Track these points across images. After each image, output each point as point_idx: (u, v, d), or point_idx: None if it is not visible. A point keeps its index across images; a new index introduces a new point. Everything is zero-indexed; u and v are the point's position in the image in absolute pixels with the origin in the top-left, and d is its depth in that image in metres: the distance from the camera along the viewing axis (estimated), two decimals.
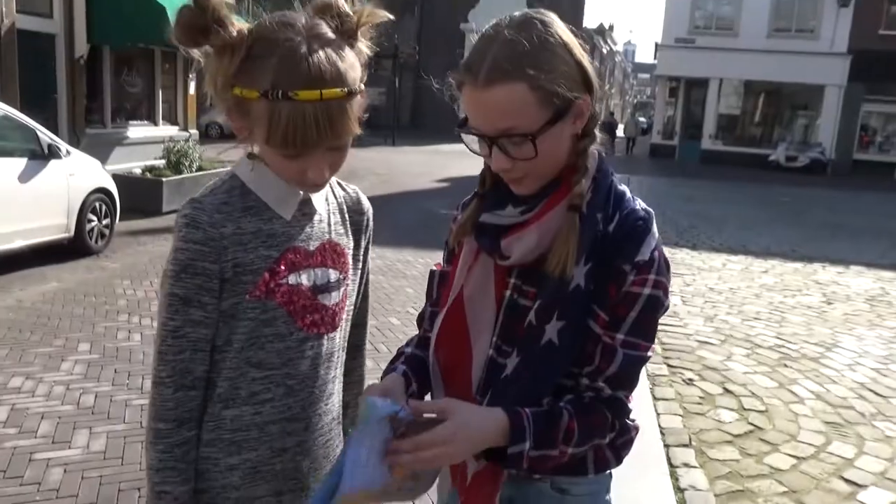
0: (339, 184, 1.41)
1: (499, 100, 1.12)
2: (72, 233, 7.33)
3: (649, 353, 1.21)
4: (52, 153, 7.05)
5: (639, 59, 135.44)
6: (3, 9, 9.81)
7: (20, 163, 6.74)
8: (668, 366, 4.89)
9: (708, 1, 26.93)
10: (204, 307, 1.19)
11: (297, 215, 1.28)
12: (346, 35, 1.18)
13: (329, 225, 1.34)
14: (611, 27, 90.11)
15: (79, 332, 5.19)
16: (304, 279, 1.27)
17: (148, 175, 10.27)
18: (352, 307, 1.42)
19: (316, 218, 1.31)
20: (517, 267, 1.25)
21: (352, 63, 1.17)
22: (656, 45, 28.48)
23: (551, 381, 1.20)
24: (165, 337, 1.19)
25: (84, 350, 4.84)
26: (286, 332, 1.26)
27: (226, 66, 1.13)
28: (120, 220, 8.31)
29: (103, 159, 10.29)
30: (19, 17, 10.40)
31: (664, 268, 1.19)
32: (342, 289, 1.35)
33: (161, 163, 10.60)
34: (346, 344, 1.42)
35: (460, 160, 16.51)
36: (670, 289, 1.20)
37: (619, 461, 1.26)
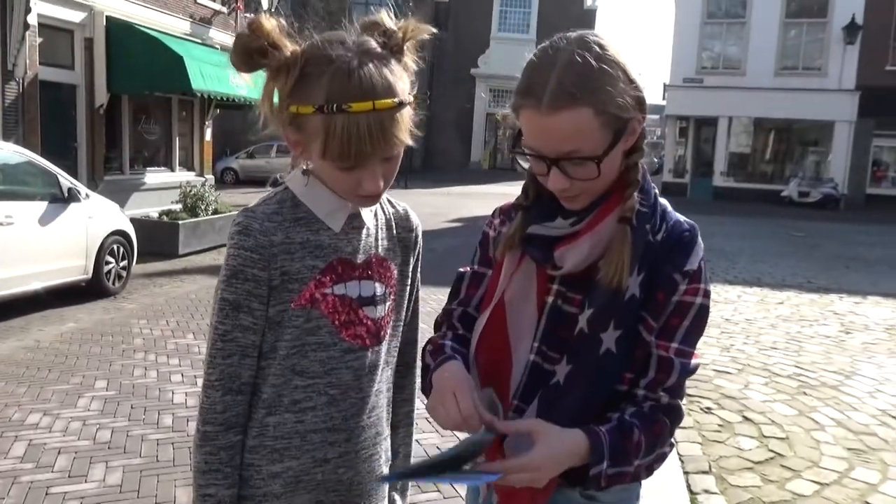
0: (388, 200, 1.44)
1: (564, 125, 1.14)
2: (90, 274, 7.44)
3: (697, 361, 1.27)
4: (72, 197, 7.19)
5: (648, 100, 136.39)
6: (27, 61, 10.11)
7: (41, 206, 6.88)
8: (686, 395, 4.83)
9: (715, 42, 27.19)
10: (252, 313, 1.23)
11: (346, 228, 1.31)
12: (393, 50, 1.23)
13: (377, 240, 1.37)
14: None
15: (95, 369, 5.22)
16: (349, 291, 1.30)
17: (165, 218, 10.41)
18: (399, 323, 1.44)
19: (364, 232, 1.34)
20: (564, 275, 1.28)
21: (400, 75, 1.22)
22: (665, 85, 28.72)
23: (608, 390, 1.23)
24: (216, 340, 1.23)
25: (101, 387, 4.86)
26: (329, 342, 1.28)
27: (281, 85, 1.19)
28: (137, 262, 8.43)
29: (121, 204, 10.44)
30: (42, 69, 10.71)
31: (708, 278, 1.26)
32: (387, 303, 1.37)
33: (178, 206, 10.75)
34: (392, 360, 1.43)
35: (471, 201, 16.65)
36: None
37: (650, 473, 1.26)
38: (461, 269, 1.48)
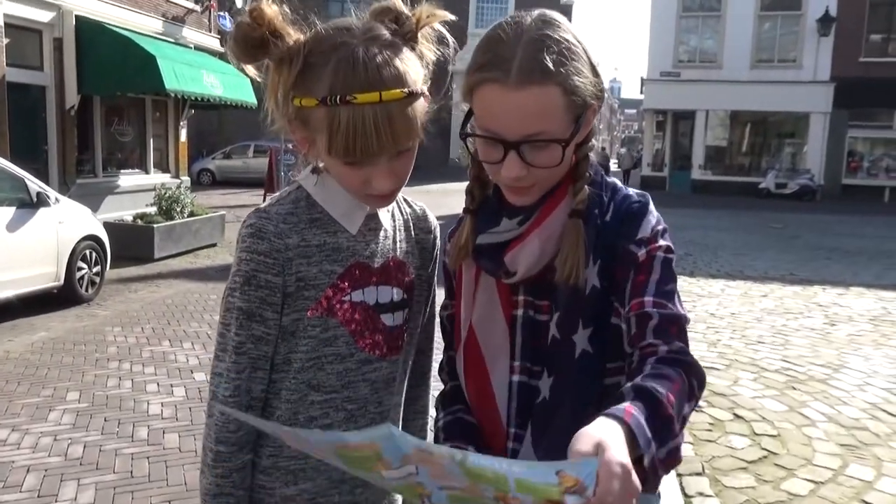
0: (405, 200, 1.35)
1: (531, 102, 1.05)
2: (61, 281, 7.23)
3: (683, 313, 1.08)
4: (41, 201, 6.98)
5: (625, 95, 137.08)
6: None
7: (8, 212, 6.66)
8: None
9: (691, 35, 27.31)
10: (265, 322, 1.15)
11: (363, 230, 1.22)
12: (406, 37, 1.14)
13: (395, 242, 1.28)
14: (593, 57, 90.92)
15: (67, 381, 5.05)
16: (368, 297, 1.22)
17: (139, 222, 10.19)
18: (416, 331, 1.35)
19: (381, 234, 1.25)
20: (523, 283, 1.18)
21: (412, 64, 1.13)
22: (642, 79, 28.79)
23: (595, 391, 1.12)
24: (230, 353, 1.15)
25: (73, 399, 4.69)
26: (346, 353, 1.20)
27: (285, 77, 1.11)
28: (111, 267, 8.23)
29: (94, 208, 10.23)
30: (9, 70, 10.44)
31: (669, 239, 1.14)
32: (405, 309, 1.29)
33: (153, 210, 10.54)
34: (408, 369, 1.35)
35: (451, 199, 16.51)
36: None
37: (667, 470, 0.95)
38: (441, 314, 1.37)
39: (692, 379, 0.99)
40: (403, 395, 1.35)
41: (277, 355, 1.19)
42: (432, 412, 1.42)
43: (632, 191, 1.19)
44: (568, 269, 1.11)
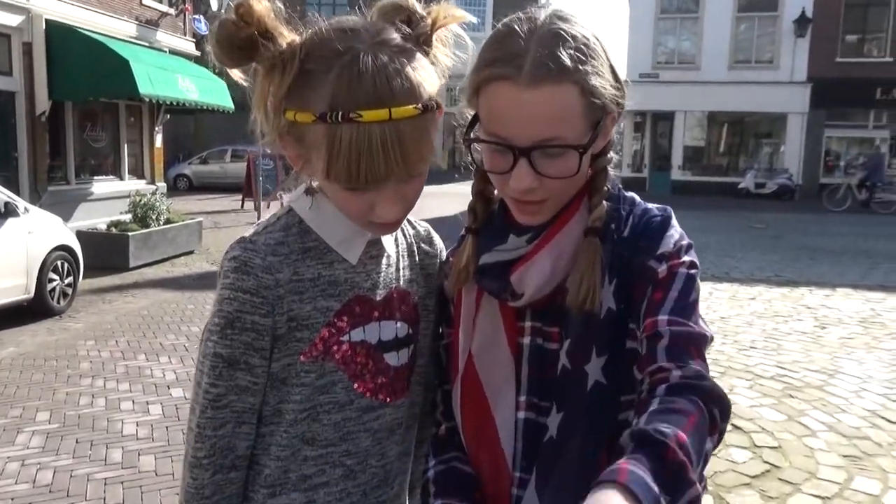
0: (407, 220, 1.17)
1: (545, 102, 0.93)
2: (31, 293, 6.97)
3: (704, 332, 0.94)
4: (9, 211, 6.73)
5: None
6: None
7: None
8: None
9: (669, 37, 27.38)
10: (251, 370, 0.99)
11: (364, 258, 1.06)
12: (420, 41, 0.98)
13: (398, 270, 1.12)
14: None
15: (37, 400, 4.81)
16: (369, 335, 1.05)
17: (113, 230, 9.92)
18: (422, 368, 1.17)
19: (384, 261, 1.09)
20: (531, 307, 1.03)
21: (427, 74, 0.95)
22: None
23: (606, 428, 0.97)
24: (206, 407, 0.99)
25: (42, 420, 4.47)
26: (345, 401, 1.04)
27: (276, 85, 0.94)
28: (84, 277, 7.99)
29: (67, 216, 9.96)
30: None
31: (692, 252, 1.02)
32: (411, 346, 1.12)
33: (127, 217, 10.26)
34: (417, 412, 1.18)
35: (431, 201, 16.36)
36: None
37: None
38: (437, 341, 1.21)
39: (712, 408, 0.85)
40: (413, 441, 1.19)
41: (266, 406, 1.03)
42: None
43: (652, 205, 1.07)
44: (583, 293, 0.97)
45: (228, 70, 0.97)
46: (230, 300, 0.97)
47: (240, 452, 1.01)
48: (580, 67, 0.93)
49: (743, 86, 25.58)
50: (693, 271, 1.00)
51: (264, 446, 1.04)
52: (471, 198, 1.14)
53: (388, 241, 1.11)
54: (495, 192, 1.12)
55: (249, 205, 16.90)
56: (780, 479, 3.61)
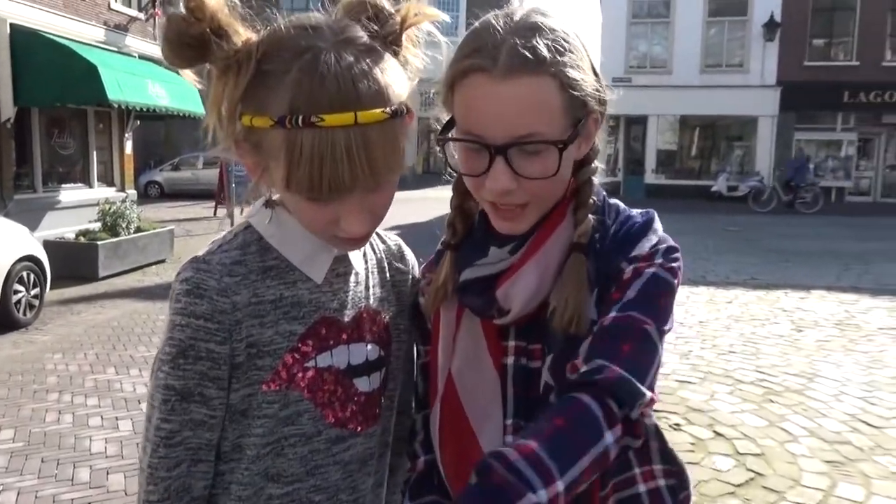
0: (377, 234, 1.10)
1: (522, 95, 0.88)
2: None
3: (652, 327, 0.88)
4: None
5: None
6: None
7: None
8: (652, 410, 4.58)
9: (641, 41, 27.59)
10: (207, 403, 0.91)
11: (330, 277, 0.98)
12: (388, 41, 0.90)
13: (367, 288, 1.04)
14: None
15: (1, 417, 4.65)
16: (337, 360, 0.97)
17: (82, 239, 9.70)
18: (395, 392, 1.10)
19: (352, 280, 1.01)
20: (515, 324, 0.96)
21: (396, 76, 0.88)
22: None
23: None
24: (157, 445, 0.90)
25: (6, 438, 4.30)
26: (313, 432, 0.96)
27: (231, 88, 0.86)
28: (52, 288, 7.78)
29: (34, 225, 9.71)
30: None
31: (672, 255, 0.95)
32: (383, 369, 1.04)
33: (96, 226, 10.04)
34: (389, 439, 1.10)
35: (406, 207, 16.27)
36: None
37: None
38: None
39: (606, 400, 0.81)
40: (386, 471, 1.11)
41: (225, 441, 0.94)
42: None
43: (637, 210, 1.03)
44: (569, 314, 0.92)
45: (180, 72, 0.88)
46: (182, 327, 0.89)
47: (196, 494, 0.93)
48: (558, 59, 0.89)
49: (714, 89, 25.85)
50: (662, 272, 0.93)
51: (224, 485, 0.95)
52: (448, 209, 1.07)
53: (356, 257, 1.03)
54: (475, 205, 1.05)
55: (222, 212, 16.70)
56: (764, 488, 3.58)
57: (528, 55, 0.88)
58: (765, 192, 22.33)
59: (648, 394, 0.83)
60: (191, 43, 0.84)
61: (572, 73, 0.90)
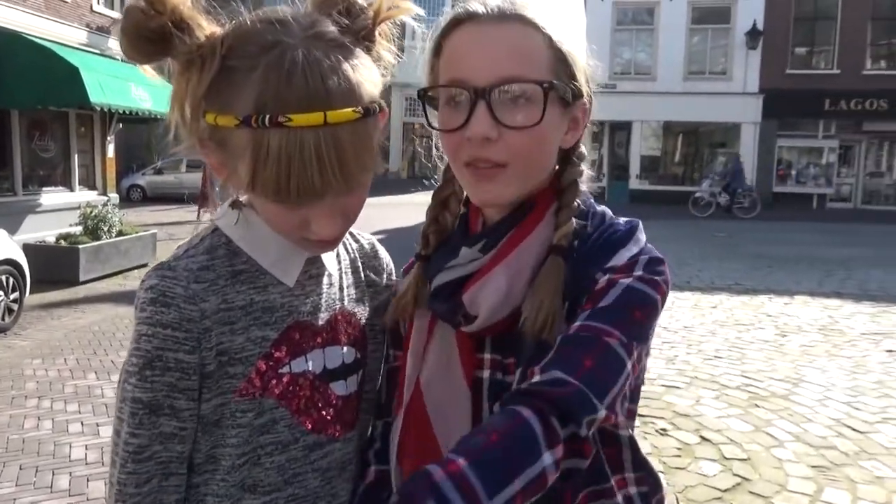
0: (350, 233, 1.07)
1: (510, 37, 0.88)
2: None
3: (617, 341, 0.81)
4: None
5: None
6: None
7: None
8: (639, 415, 4.56)
9: (625, 48, 27.76)
10: (177, 414, 0.87)
11: (302, 279, 0.95)
12: (360, 36, 0.87)
13: (342, 289, 1.01)
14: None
15: None
16: (312, 364, 0.94)
17: (63, 243, 9.57)
18: (371, 395, 1.07)
19: (325, 281, 0.98)
20: (492, 335, 0.92)
21: (368, 73, 0.85)
22: None
23: (570, 471, 0.84)
24: (126, 460, 0.87)
25: None
26: (289, 439, 0.93)
27: (194, 84, 0.82)
28: (32, 292, 7.67)
29: (13, 229, 9.58)
30: None
31: (656, 268, 0.89)
32: (360, 371, 1.01)
33: (78, 229, 9.92)
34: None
35: (391, 211, 16.23)
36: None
37: None
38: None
39: (548, 417, 0.73)
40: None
41: (198, 453, 0.91)
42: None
43: (622, 219, 0.98)
44: (542, 319, 0.86)
45: (140, 67, 0.85)
46: (149, 337, 0.85)
47: None
48: (551, 22, 0.90)
49: (697, 96, 26.05)
50: (640, 284, 0.86)
51: (198, 498, 0.92)
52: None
53: (328, 258, 1.01)
54: (451, 218, 1.02)
55: (206, 216, 16.57)
56: (750, 493, 3.57)
57: (518, 7, 0.90)
58: (704, 197, 22.64)
59: (602, 411, 0.77)
60: (150, 37, 0.80)
61: (564, 39, 0.91)
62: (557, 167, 0.99)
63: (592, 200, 0.99)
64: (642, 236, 0.93)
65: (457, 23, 0.91)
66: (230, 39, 0.82)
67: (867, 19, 24.59)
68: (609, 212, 1.00)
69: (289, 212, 0.85)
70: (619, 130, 28.06)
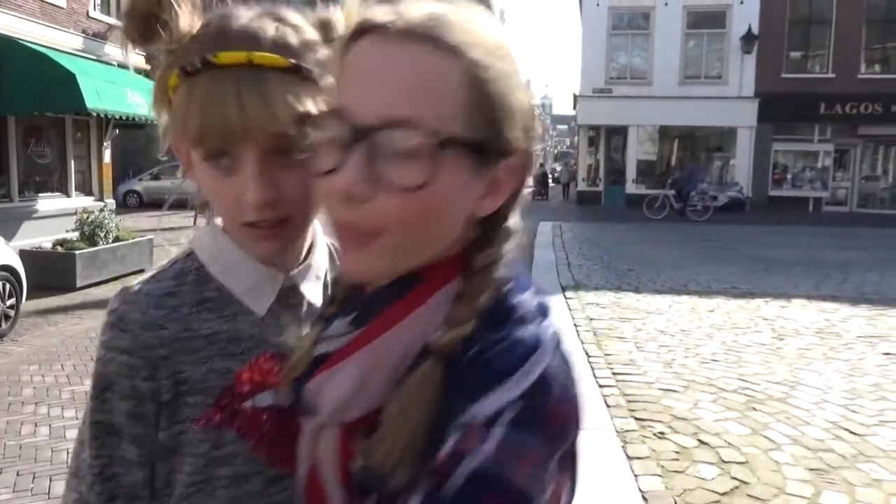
0: (331, 250, 1.00)
1: (415, 64, 0.65)
2: None
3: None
4: None
5: (556, 111, 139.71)
6: None
7: None
8: (636, 419, 4.58)
9: (621, 53, 27.82)
10: (137, 440, 0.85)
11: (277, 308, 0.90)
12: (328, 38, 0.87)
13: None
14: (527, 82, 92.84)
15: None
16: (278, 398, 0.89)
17: (59, 248, 9.56)
18: None
19: (303, 311, 0.93)
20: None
21: (313, 44, 0.84)
22: (575, 96, 29.16)
23: None
24: (93, 483, 0.84)
25: None
26: (248, 472, 0.88)
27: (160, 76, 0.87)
28: (28, 298, 7.66)
29: (10, 235, 9.58)
30: None
31: (533, 418, 0.62)
32: None
33: (74, 235, 9.91)
34: None
35: None
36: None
37: None
38: None
39: None
40: None
41: (157, 478, 0.88)
42: None
43: (547, 327, 0.69)
44: (386, 447, 0.66)
45: (126, 52, 0.87)
46: (105, 361, 0.84)
47: None
48: (474, 49, 0.67)
49: (693, 101, 26.11)
50: (492, 464, 0.58)
51: None
52: None
53: (311, 288, 0.95)
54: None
55: (202, 221, 16.54)
56: (749, 496, 3.57)
57: (434, 24, 0.66)
58: (658, 200, 22.79)
59: None
60: (153, 19, 0.83)
61: (499, 79, 0.68)
62: (475, 236, 0.74)
63: (511, 288, 0.71)
64: (543, 361, 0.64)
65: (361, 32, 0.68)
66: (204, 25, 0.85)
67: (862, 23, 24.70)
68: (531, 308, 0.70)
69: (225, 183, 0.83)
70: (616, 135, 28.10)
